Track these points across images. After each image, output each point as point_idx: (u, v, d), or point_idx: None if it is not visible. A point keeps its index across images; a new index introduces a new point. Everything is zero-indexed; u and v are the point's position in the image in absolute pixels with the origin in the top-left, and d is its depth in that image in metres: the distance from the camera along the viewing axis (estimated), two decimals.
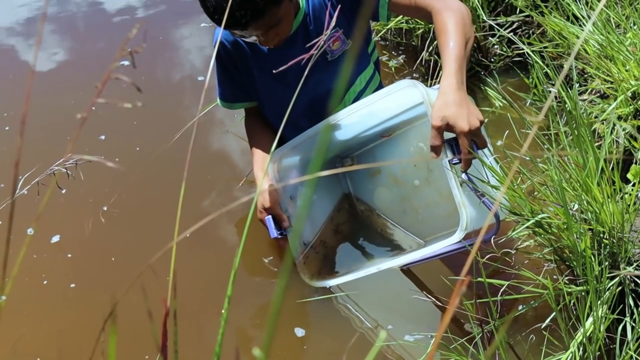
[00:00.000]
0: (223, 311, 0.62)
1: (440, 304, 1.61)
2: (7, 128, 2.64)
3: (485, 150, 1.36)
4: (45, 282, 1.94)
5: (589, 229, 1.34)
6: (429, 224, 1.81)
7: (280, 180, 1.82)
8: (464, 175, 1.34)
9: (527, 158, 1.51)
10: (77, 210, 2.17)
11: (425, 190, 1.81)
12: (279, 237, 1.74)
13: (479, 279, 1.33)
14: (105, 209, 2.17)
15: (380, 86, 1.94)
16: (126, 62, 2.68)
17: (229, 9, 1.46)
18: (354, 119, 1.71)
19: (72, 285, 1.92)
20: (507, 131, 1.75)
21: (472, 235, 1.38)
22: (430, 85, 1.90)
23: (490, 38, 2.42)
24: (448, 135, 1.33)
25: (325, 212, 1.95)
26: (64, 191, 2.21)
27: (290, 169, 1.86)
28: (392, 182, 1.89)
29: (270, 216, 1.73)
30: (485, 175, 1.36)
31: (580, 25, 1.95)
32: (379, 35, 2.68)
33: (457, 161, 1.33)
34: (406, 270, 1.78)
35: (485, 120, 2.18)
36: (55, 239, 2.07)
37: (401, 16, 2.51)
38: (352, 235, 1.94)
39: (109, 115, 2.52)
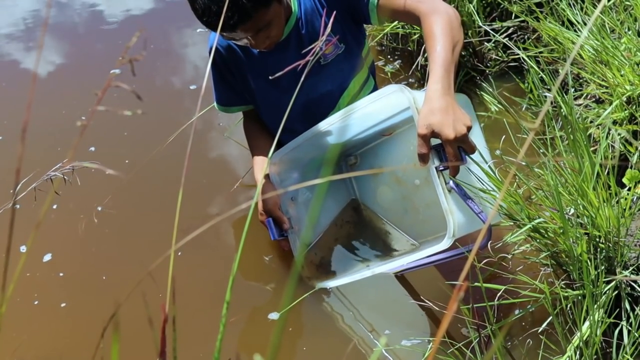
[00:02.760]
0: (222, 317, 0.62)
1: (437, 309, 1.61)
2: (0, 138, 2.62)
3: (480, 155, 1.36)
4: (36, 302, 1.90)
5: (585, 234, 1.35)
6: (430, 224, 1.81)
7: (281, 182, 1.82)
8: (451, 183, 1.33)
9: (524, 163, 1.51)
10: (69, 226, 2.14)
11: (426, 190, 1.81)
12: (280, 239, 1.75)
13: (476, 283, 1.33)
14: (99, 210, 2.16)
15: (375, 89, 1.95)
16: (117, 71, 2.68)
17: (217, 10, 1.47)
18: (349, 122, 1.71)
19: (63, 304, 1.89)
20: (504, 136, 1.76)
21: (468, 241, 1.38)
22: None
23: (485, 43, 2.43)
24: (436, 140, 1.32)
25: (328, 213, 1.95)
26: (55, 206, 2.19)
27: (290, 171, 1.86)
28: (394, 181, 1.90)
29: (270, 218, 1.75)
30: (476, 182, 1.36)
31: (575, 31, 1.96)
32: (375, 40, 2.69)
33: (444, 168, 1.33)
34: (400, 277, 1.79)
35: (482, 125, 2.20)
36: (47, 257, 2.03)
37: (397, 21, 2.52)
38: (354, 238, 1.95)
39: (98, 125, 2.47)
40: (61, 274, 1.99)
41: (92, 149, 2.45)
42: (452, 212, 1.32)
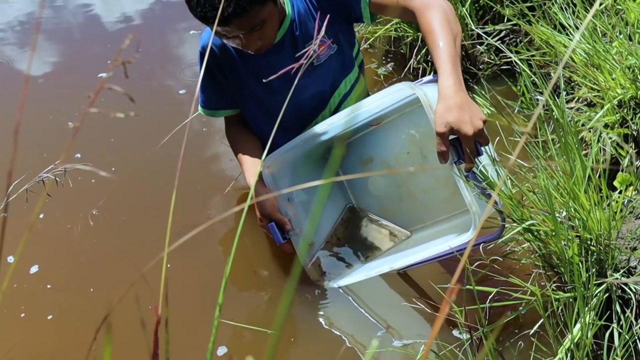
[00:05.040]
0: (215, 319, 0.62)
1: (429, 310, 1.61)
2: None
3: (488, 148, 1.36)
4: (23, 314, 1.86)
5: (577, 236, 1.35)
6: (429, 209, 1.81)
7: (275, 183, 1.81)
8: (470, 175, 1.34)
9: (521, 162, 1.52)
10: (56, 236, 2.11)
11: (421, 177, 1.81)
12: (284, 242, 1.74)
13: (468, 286, 1.34)
14: (89, 215, 2.14)
15: (365, 89, 1.95)
16: (105, 74, 2.64)
17: (211, 1, 1.47)
18: (343, 120, 1.72)
19: (50, 316, 1.85)
20: (498, 138, 1.76)
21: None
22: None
23: (478, 46, 2.44)
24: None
25: (327, 217, 1.95)
26: (42, 216, 2.15)
27: (283, 171, 1.85)
28: (386, 169, 1.89)
29: (273, 223, 1.72)
30: (491, 174, 1.37)
31: (567, 34, 1.97)
32: (367, 42, 2.69)
33: (462, 161, 1.33)
34: (403, 274, 1.79)
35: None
36: (34, 269, 1.99)
37: (390, 24, 2.52)
38: (355, 240, 1.94)
39: (83, 131, 2.42)
40: (49, 286, 1.95)
41: (78, 155, 2.42)
42: (474, 205, 1.34)
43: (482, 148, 1.32)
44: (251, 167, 1.82)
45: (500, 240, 1.42)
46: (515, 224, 1.38)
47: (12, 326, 1.84)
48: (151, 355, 0.59)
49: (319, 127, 1.70)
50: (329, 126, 1.69)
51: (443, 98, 1.32)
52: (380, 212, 1.94)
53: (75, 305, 1.89)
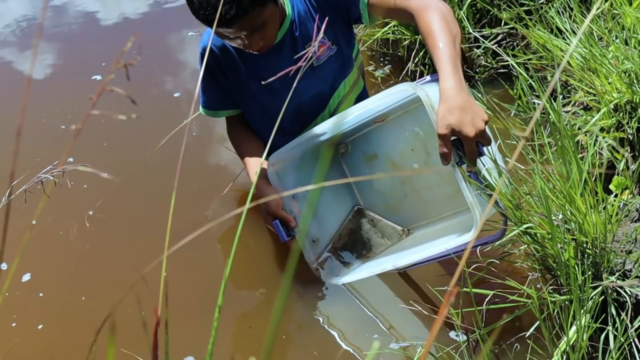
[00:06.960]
0: (214, 320, 0.62)
1: (426, 312, 1.62)
2: None
3: (491, 148, 1.37)
4: (14, 324, 1.84)
5: (573, 239, 1.36)
6: (433, 205, 1.82)
7: (280, 182, 1.82)
8: (472, 175, 1.35)
9: (518, 164, 1.52)
10: (48, 243, 2.09)
11: (425, 174, 1.82)
12: (289, 239, 1.74)
13: (465, 288, 1.34)
14: (85, 217, 2.14)
15: (364, 90, 1.95)
16: (99, 77, 2.63)
17: (215, 4, 1.47)
18: (345, 118, 1.73)
19: (40, 326, 1.82)
20: (498, 142, 1.77)
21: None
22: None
23: (475, 49, 2.45)
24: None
25: (336, 212, 1.96)
26: (33, 222, 2.12)
27: (287, 168, 1.86)
28: (390, 166, 1.90)
29: (277, 220, 1.72)
30: (491, 175, 1.38)
31: (564, 38, 1.98)
32: (365, 45, 2.70)
33: (464, 162, 1.34)
34: (402, 273, 1.79)
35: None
36: (26, 277, 1.96)
37: (387, 27, 2.53)
38: (360, 236, 1.95)
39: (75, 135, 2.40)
40: (41, 294, 1.93)
41: (71, 159, 2.39)
42: (476, 205, 1.35)
43: (485, 148, 1.33)
44: (255, 166, 1.82)
45: (499, 242, 1.43)
46: (513, 226, 1.39)
47: (3, 336, 1.82)
48: (151, 357, 0.59)
49: (322, 126, 1.71)
50: (332, 125, 1.70)
51: (445, 100, 1.32)
52: (385, 208, 1.94)
53: (69, 313, 1.87)
